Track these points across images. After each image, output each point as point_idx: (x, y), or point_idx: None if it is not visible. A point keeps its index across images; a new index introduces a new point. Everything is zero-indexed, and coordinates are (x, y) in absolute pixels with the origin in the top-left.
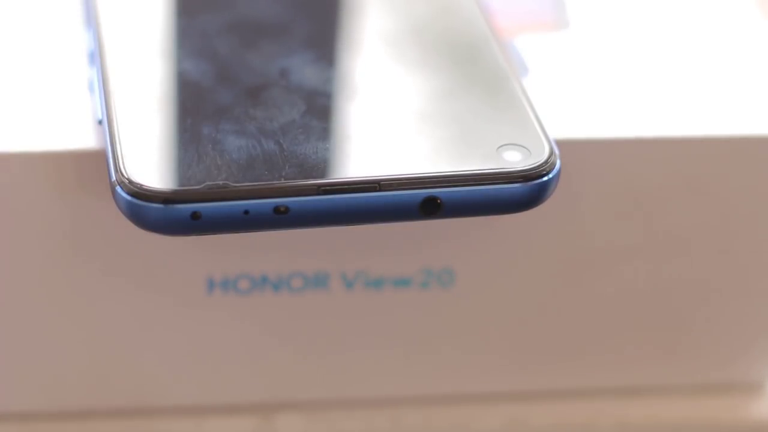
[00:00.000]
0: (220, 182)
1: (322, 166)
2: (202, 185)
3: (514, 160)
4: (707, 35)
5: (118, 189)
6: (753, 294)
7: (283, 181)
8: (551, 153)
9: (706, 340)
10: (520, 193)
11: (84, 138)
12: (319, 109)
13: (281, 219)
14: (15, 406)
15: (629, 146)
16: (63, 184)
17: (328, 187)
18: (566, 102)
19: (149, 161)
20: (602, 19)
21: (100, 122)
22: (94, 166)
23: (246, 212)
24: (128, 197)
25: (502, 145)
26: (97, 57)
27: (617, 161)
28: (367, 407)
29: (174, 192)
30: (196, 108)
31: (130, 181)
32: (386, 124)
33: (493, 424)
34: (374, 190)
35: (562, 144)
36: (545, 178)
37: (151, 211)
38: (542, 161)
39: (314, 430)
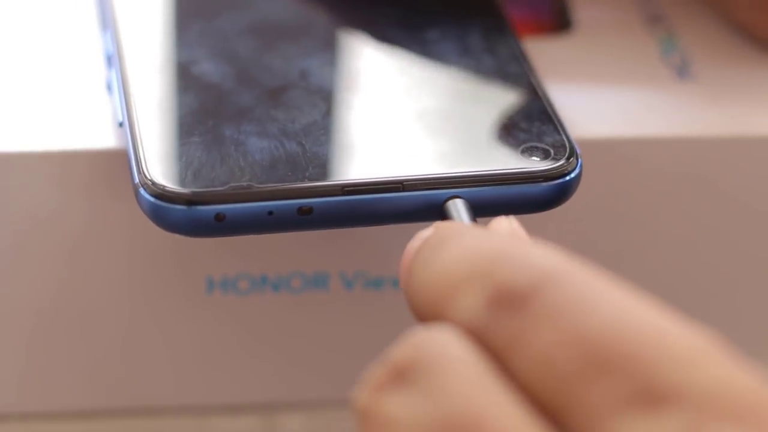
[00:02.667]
0: (244, 183)
1: (345, 167)
2: (226, 186)
3: (537, 161)
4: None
5: (142, 191)
6: (753, 293)
7: (306, 182)
8: (572, 153)
9: None
10: (543, 192)
11: (84, 139)
12: (341, 110)
13: (305, 220)
14: (15, 406)
15: (629, 146)
16: (62, 186)
17: (351, 188)
18: (567, 102)
19: (172, 163)
20: (602, 18)
21: (121, 125)
22: (97, 167)
23: (270, 213)
24: (152, 199)
25: (524, 146)
26: (116, 59)
27: (617, 161)
28: None
29: (198, 193)
30: (217, 110)
31: (154, 183)
32: (409, 124)
33: None
34: (398, 190)
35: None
36: (567, 178)
37: (175, 213)
38: (564, 161)
39: (314, 430)
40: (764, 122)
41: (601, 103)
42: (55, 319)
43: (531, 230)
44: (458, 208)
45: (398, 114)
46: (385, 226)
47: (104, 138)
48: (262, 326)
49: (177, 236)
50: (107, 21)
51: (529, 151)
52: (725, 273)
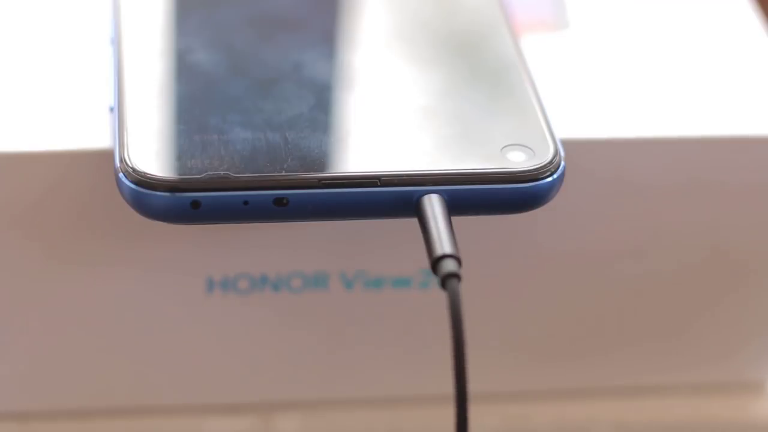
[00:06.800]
0: (221, 172)
1: (324, 160)
2: (203, 174)
3: (518, 161)
4: (706, 35)
5: (121, 176)
6: (752, 293)
7: (283, 173)
8: (555, 154)
9: (705, 340)
10: (522, 193)
11: (84, 139)
12: (323, 104)
13: (281, 211)
14: (15, 406)
15: (629, 146)
16: (61, 186)
17: (328, 181)
18: (566, 102)
19: (153, 150)
20: (602, 19)
21: (112, 110)
22: (92, 166)
23: (245, 203)
24: (130, 184)
25: (506, 145)
26: (114, 46)
27: (617, 161)
28: (367, 407)
29: (174, 180)
30: (207, 99)
31: (134, 169)
32: (390, 120)
33: (493, 424)
34: (374, 185)
35: (562, 144)
36: (548, 180)
37: (152, 199)
38: (546, 163)
39: (314, 430)
40: (764, 122)
41: (600, 103)
42: (54, 318)
43: (525, 230)
44: (433, 204)
45: (384, 110)
46: (387, 226)
47: (104, 138)
48: (262, 326)
49: (177, 236)
50: (114, 10)
51: (510, 151)
52: (724, 273)
